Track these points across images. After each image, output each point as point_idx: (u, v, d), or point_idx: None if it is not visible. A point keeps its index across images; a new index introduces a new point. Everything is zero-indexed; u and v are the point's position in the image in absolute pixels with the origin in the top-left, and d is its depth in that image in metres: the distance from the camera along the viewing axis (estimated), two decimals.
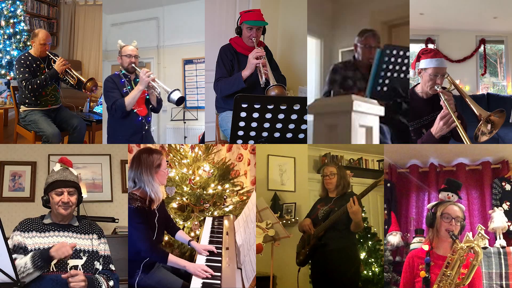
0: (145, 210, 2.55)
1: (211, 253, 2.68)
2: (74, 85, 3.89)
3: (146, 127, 3.52)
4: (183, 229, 3.50)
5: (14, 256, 2.16)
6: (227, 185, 3.78)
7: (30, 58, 3.83)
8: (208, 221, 3.42)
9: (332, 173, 3.31)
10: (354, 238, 3.33)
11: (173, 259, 2.51)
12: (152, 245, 2.53)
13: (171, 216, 3.50)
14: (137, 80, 3.38)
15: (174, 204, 3.62)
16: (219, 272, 2.38)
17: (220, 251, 2.71)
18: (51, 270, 2.18)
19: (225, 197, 3.75)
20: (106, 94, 3.39)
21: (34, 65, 3.83)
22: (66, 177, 2.37)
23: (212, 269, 2.40)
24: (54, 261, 2.17)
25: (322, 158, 4.58)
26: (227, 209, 3.70)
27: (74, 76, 3.85)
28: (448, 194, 2.60)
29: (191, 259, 2.88)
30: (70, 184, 2.36)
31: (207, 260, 2.57)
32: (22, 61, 3.78)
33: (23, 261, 2.12)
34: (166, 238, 3.36)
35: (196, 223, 3.52)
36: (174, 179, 3.66)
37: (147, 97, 3.49)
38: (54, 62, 3.84)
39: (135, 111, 3.43)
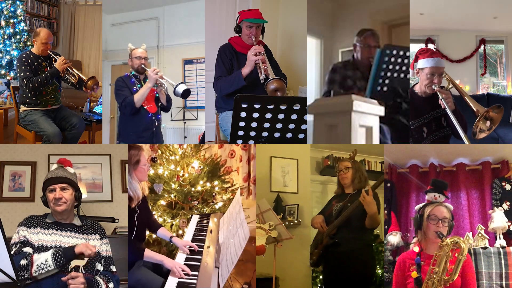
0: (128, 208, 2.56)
1: (192, 251, 2.65)
2: (75, 84, 3.89)
3: (156, 124, 3.60)
4: (171, 226, 3.49)
5: (24, 249, 2.19)
6: (216, 182, 3.76)
7: (31, 56, 3.82)
8: (194, 218, 3.39)
9: (346, 168, 3.27)
10: (368, 239, 3.22)
11: (150, 254, 2.52)
12: (128, 242, 2.53)
13: (159, 213, 3.50)
14: (147, 79, 3.47)
15: (163, 202, 3.60)
16: (197, 271, 2.35)
17: (202, 249, 2.69)
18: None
19: (214, 194, 3.74)
20: (117, 92, 3.50)
21: (36, 64, 3.82)
22: (58, 174, 2.38)
23: (190, 267, 2.37)
24: (75, 263, 2.19)
25: (325, 159, 4.59)
26: (216, 206, 3.69)
27: (75, 74, 3.86)
28: (434, 195, 2.57)
29: None
30: (61, 180, 2.36)
31: (187, 259, 2.54)
32: (23, 59, 3.78)
33: (43, 258, 2.14)
34: (154, 236, 3.34)
35: (184, 220, 3.50)
36: (162, 176, 3.65)
37: (157, 95, 3.57)
38: (56, 61, 3.84)
39: (145, 107, 3.52)
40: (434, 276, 2.21)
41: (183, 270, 2.33)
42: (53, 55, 3.89)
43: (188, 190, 3.62)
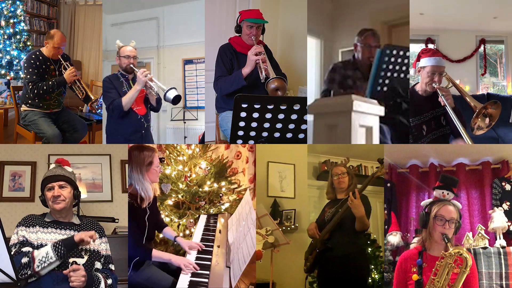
0: (134, 208, 2.56)
1: (201, 250, 2.66)
2: (80, 98, 3.83)
3: (146, 126, 3.50)
4: (178, 226, 3.50)
5: (23, 249, 2.18)
6: (223, 183, 3.77)
7: (40, 58, 3.73)
8: (202, 218, 3.41)
9: (343, 172, 3.26)
10: (362, 243, 3.22)
11: (158, 254, 2.53)
12: (136, 242, 2.54)
13: (167, 213, 3.51)
14: (136, 79, 3.36)
15: (170, 201, 3.61)
16: (208, 270, 2.36)
17: (211, 249, 2.70)
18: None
19: (221, 194, 3.74)
20: (105, 94, 3.40)
21: (44, 66, 3.75)
22: (56, 173, 2.38)
23: (201, 267, 2.38)
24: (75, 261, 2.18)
25: (322, 164, 4.58)
26: (223, 207, 3.70)
27: (82, 89, 3.77)
28: (443, 192, 2.46)
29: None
30: (59, 178, 2.36)
31: (197, 258, 2.56)
32: (32, 61, 3.69)
33: (43, 251, 2.14)
34: (161, 236, 3.36)
35: (191, 220, 3.53)
36: (170, 176, 3.65)
37: (146, 96, 3.48)
38: (65, 68, 3.77)
39: (134, 109, 3.42)
40: (434, 287, 2.12)
41: (192, 266, 2.35)
42: (63, 61, 3.81)
43: (196, 191, 3.64)
